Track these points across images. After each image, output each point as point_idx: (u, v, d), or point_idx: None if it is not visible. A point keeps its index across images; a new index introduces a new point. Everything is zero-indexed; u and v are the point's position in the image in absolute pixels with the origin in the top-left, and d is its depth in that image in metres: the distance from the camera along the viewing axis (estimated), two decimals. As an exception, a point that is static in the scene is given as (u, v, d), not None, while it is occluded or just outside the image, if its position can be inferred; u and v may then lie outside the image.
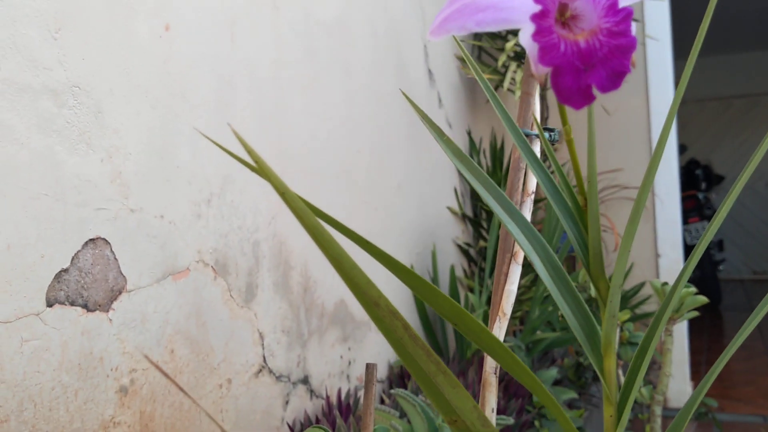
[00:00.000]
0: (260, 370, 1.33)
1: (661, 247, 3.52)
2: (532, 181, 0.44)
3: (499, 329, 0.36)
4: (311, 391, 1.51)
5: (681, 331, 3.35)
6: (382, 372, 1.88)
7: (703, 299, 0.84)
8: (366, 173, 1.80)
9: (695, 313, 0.87)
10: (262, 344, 1.34)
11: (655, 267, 3.49)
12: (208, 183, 1.19)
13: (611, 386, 0.27)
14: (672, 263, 3.51)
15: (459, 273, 2.45)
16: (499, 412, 1.42)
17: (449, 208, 2.36)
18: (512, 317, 2.39)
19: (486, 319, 2.07)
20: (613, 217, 3.22)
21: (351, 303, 1.70)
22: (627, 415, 0.27)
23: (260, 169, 0.21)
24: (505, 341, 1.96)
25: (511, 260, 0.36)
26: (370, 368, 0.39)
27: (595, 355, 0.27)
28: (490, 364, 0.38)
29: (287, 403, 1.42)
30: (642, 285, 3.14)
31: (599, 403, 1.99)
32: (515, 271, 0.36)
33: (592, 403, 1.94)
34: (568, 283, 0.30)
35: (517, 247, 0.37)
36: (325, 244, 0.20)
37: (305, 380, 1.49)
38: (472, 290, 2.28)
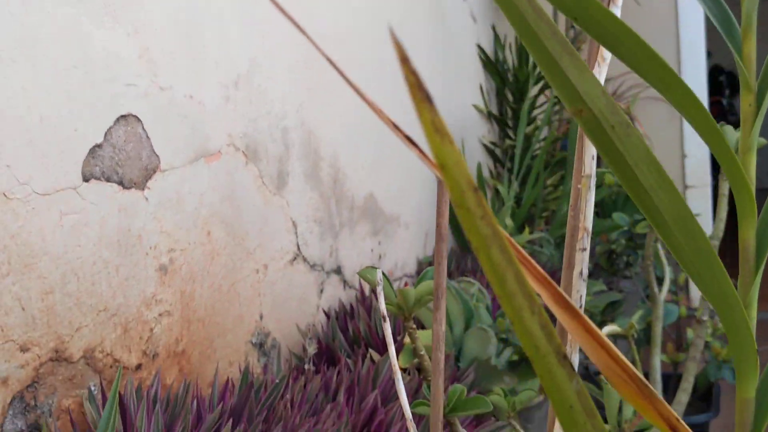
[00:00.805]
0: (295, 258, 1.33)
1: (687, 148, 3.46)
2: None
3: (599, 73, 0.34)
4: (344, 282, 1.52)
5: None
6: (411, 267, 1.89)
7: (762, 141, 0.81)
8: (390, 64, 1.76)
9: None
10: (296, 232, 1.34)
11: (681, 167, 3.44)
12: (235, 65, 1.16)
13: (750, 71, 0.25)
14: (698, 163, 3.46)
15: (485, 173, 2.43)
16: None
17: (475, 106, 2.32)
18: (538, 217, 2.38)
19: (513, 213, 2.06)
20: (641, 116, 3.15)
21: (380, 197, 1.69)
22: (765, 107, 0.25)
23: None
24: (532, 233, 1.94)
25: (610, 2, 0.34)
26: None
27: (733, 41, 0.25)
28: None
29: (322, 291, 1.43)
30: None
31: (627, 298, 1.98)
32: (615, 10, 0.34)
33: (628, 277, 1.91)
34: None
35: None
36: None
37: (338, 270, 1.49)
38: (498, 190, 2.25)
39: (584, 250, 0.32)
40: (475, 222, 0.15)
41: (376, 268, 0.58)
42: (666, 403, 0.21)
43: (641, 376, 0.21)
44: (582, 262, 0.33)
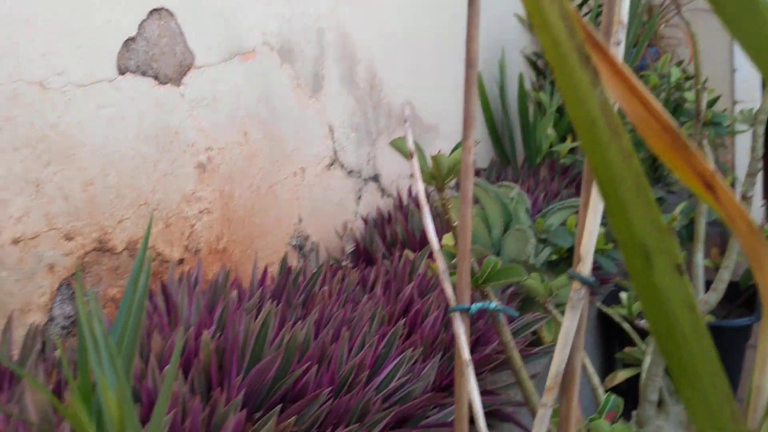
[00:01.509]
0: (332, 163, 1.33)
1: (737, 61, 3.33)
2: None
3: None
4: (382, 189, 1.51)
5: (744, 145, 3.22)
6: (450, 179, 1.87)
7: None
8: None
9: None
10: (332, 138, 1.33)
11: (730, 82, 3.32)
12: (267, -38, 1.14)
13: None
14: (747, 77, 3.34)
15: (527, 85, 2.37)
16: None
17: (517, 15, 2.25)
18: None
19: (556, 123, 2.02)
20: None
21: (417, 106, 1.67)
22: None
23: None
24: (573, 143, 1.90)
25: None
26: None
27: None
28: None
29: (359, 198, 1.43)
30: (717, 98, 3.00)
31: (669, 209, 1.94)
32: None
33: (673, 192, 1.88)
34: None
35: None
36: None
37: (375, 178, 1.49)
38: (540, 103, 2.20)
39: (619, 44, 0.30)
40: None
41: (404, 138, 0.57)
42: (702, 158, 0.20)
43: (676, 128, 0.19)
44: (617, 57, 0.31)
